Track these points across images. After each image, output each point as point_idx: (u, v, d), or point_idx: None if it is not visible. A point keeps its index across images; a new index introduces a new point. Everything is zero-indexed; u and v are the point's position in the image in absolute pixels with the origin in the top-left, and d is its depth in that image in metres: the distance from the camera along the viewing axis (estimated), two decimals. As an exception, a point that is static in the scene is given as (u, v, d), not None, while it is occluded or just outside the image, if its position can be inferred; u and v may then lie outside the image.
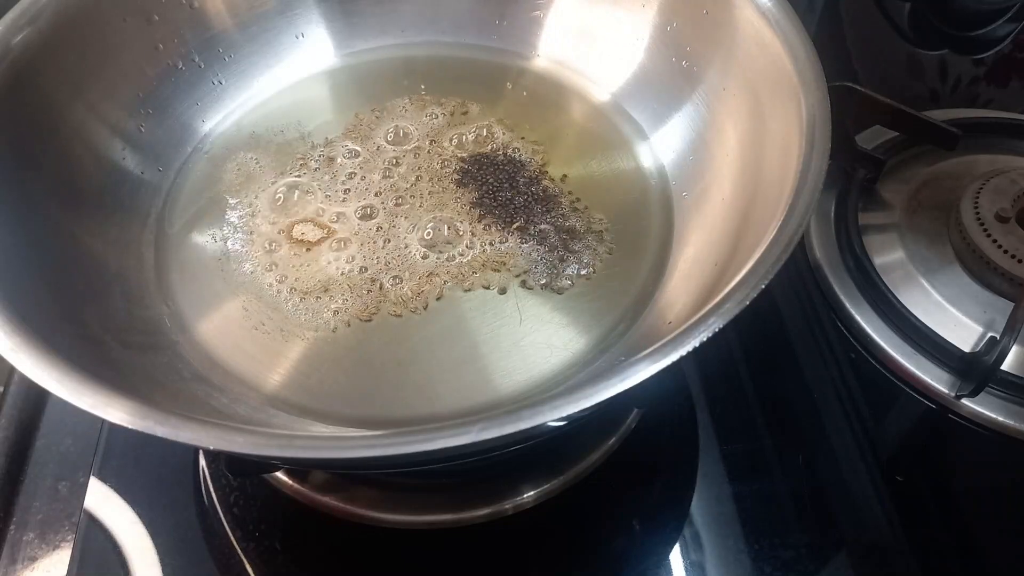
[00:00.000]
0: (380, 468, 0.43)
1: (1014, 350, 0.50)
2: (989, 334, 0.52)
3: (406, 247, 0.50)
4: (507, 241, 0.51)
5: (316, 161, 0.56)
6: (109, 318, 0.44)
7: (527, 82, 0.61)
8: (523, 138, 0.57)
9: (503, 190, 0.53)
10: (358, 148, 0.56)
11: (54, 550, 0.47)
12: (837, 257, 0.59)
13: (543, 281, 0.49)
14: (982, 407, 0.51)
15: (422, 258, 0.50)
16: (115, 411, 0.31)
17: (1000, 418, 0.51)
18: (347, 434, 0.42)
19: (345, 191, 0.54)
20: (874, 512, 0.48)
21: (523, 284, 0.49)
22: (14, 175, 0.44)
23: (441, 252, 0.50)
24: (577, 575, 0.47)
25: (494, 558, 0.47)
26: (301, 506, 0.48)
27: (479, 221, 0.52)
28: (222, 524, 0.48)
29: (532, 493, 0.47)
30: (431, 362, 0.46)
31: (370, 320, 0.47)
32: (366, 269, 0.49)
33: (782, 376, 0.55)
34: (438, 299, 0.48)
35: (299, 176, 0.55)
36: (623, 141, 0.57)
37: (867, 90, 0.58)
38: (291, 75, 0.61)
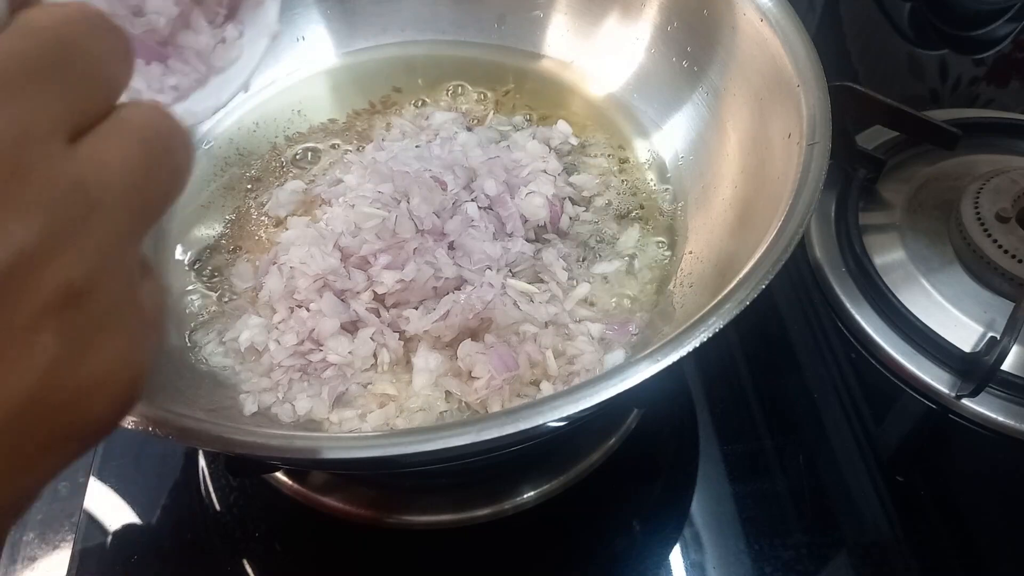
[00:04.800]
0: (380, 468, 0.43)
1: (1014, 350, 0.50)
2: (989, 334, 0.52)
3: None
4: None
5: (316, 160, 0.56)
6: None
7: (528, 81, 0.61)
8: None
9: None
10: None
11: (54, 550, 0.47)
12: (837, 257, 0.59)
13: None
14: (982, 407, 0.51)
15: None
16: (115, 411, 0.31)
17: (1000, 418, 0.51)
18: (347, 434, 0.42)
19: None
20: (874, 512, 0.48)
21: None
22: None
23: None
24: (577, 575, 0.47)
25: (494, 558, 0.47)
26: (301, 506, 0.48)
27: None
28: (222, 524, 0.48)
29: (532, 493, 0.47)
30: (431, 362, 0.46)
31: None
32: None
33: (782, 376, 0.55)
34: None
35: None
36: (624, 141, 0.57)
37: (867, 90, 0.58)
38: (291, 74, 0.61)
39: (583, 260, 0.50)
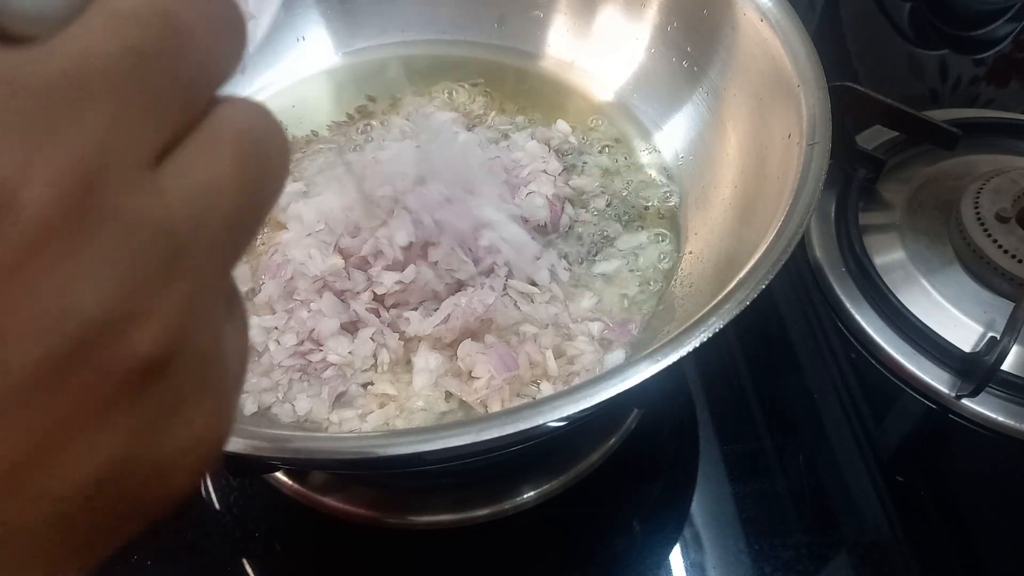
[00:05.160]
0: (380, 468, 0.43)
1: (1014, 350, 0.50)
2: (989, 334, 0.52)
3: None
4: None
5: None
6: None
7: (528, 81, 0.61)
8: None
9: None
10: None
11: (54, 550, 0.47)
12: (837, 257, 0.59)
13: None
14: (982, 407, 0.51)
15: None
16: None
17: (1000, 418, 0.51)
18: (347, 434, 0.42)
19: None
20: (874, 512, 0.48)
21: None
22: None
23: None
24: (577, 575, 0.47)
25: (494, 558, 0.47)
26: (301, 506, 0.48)
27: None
28: (222, 524, 0.48)
29: (532, 493, 0.47)
30: (431, 362, 0.46)
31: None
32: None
33: (782, 376, 0.55)
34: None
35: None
36: (624, 141, 0.57)
37: (867, 90, 0.58)
38: (291, 74, 0.61)
39: (583, 260, 0.50)
